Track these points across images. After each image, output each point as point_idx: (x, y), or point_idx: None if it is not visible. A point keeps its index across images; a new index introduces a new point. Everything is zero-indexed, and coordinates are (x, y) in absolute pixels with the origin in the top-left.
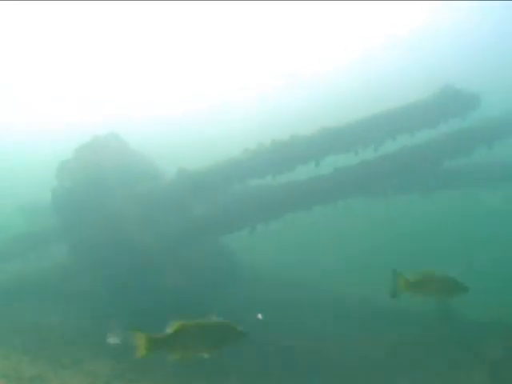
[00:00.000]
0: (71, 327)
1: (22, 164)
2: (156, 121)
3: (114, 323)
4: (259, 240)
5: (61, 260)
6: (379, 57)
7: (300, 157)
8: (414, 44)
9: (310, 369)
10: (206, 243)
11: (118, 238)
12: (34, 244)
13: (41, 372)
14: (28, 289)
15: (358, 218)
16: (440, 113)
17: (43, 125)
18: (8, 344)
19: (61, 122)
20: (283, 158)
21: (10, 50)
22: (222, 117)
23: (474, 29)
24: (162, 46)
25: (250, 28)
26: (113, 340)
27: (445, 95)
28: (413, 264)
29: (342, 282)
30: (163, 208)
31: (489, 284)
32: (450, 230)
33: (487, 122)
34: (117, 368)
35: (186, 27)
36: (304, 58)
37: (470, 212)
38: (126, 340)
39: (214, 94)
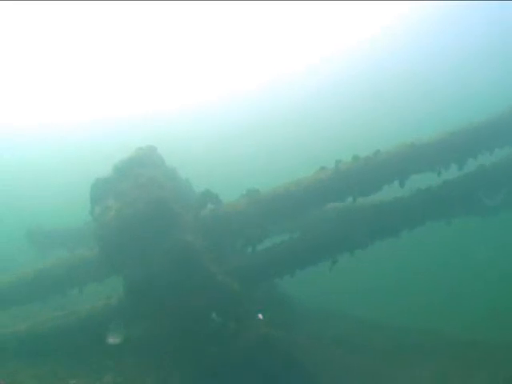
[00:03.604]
0: None
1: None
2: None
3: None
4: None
5: (105, 304)
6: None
7: (384, 176)
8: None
9: None
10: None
11: (189, 273)
12: (60, 282)
13: None
14: (55, 342)
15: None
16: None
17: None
18: None
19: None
20: (366, 177)
21: (9, 49)
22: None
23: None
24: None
25: None
26: (113, 339)
27: None
28: None
29: None
30: (234, 235)
31: None
32: None
33: None
34: None
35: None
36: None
37: None
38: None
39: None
